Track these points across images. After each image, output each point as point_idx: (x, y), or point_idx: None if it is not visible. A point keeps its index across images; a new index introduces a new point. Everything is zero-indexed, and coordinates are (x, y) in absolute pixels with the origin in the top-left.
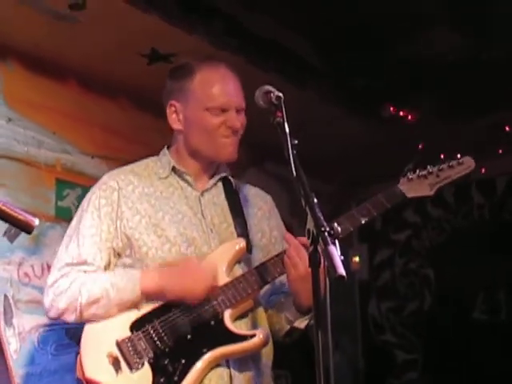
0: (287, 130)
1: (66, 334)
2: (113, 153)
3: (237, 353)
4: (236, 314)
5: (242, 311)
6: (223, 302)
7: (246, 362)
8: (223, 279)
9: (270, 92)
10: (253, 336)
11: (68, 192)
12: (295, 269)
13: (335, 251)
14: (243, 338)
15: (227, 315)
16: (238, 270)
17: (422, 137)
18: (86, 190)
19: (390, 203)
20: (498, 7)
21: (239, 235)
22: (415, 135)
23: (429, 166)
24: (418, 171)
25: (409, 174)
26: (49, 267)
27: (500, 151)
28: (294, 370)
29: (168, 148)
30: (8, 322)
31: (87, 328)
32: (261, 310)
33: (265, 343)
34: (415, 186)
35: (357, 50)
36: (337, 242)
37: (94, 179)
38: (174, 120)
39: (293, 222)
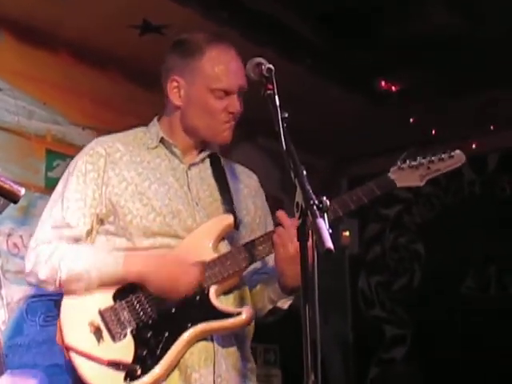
0: (277, 102)
1: (54, 305)
2: (103, 124)
3: (221, 329)
4: (221, 290)
5: (227, 287)
6: (209, 277)
7: (228, 336)
8: (210, 254)
9: (261, 64)
10: (238, 314)
11: (58, 163)
12: (284, 248)
13: (323, 224)
14: (228, 315)
15: (213, 291)
16: (223, 246)
17: (413, 113)
18: None
19: (380, 191)
20: None
21: (226, 211)
22: (407, 111)
23: (420, 158)
24: (409, 161)
25: (400, 163)
26: None
27: (492, 127)
28: (283, 344)
29: (159, 119)
30: None
31: (68, 296)
32: (246, 288)
33: (249, 322)
34: (406, 175)
35: (352, 25)
36: (325, 215)
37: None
38: (175, 96)
39: (283, 197)
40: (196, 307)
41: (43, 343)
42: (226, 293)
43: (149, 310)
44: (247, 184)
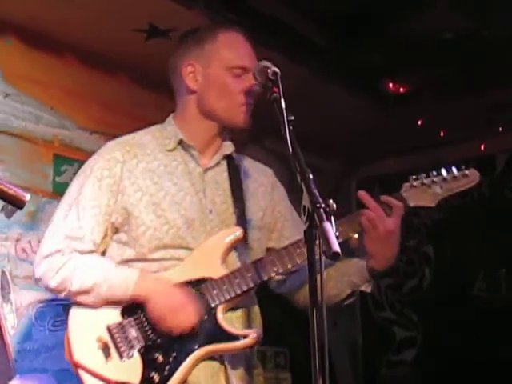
0: (283, 105)
1: (63, 310)
2: (111, 128)
3: (228, 351)
4: (229, 306)
5: (235, 304)
6: (217, 296)
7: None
8: (218, 270)
9: (267, 67)
10: (245, 336)
11: (66, 168)
12: (375, 230)
13: (330, 228)
14: (235, 337)
15: (220, 310)
16: (233, 257)
17: (421, 114)
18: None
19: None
20: None
21: (237, 219)
22: (415, 112)
23: (433, 174)
24: (421, 178)
25: (412, 180)
26: None
27: (500, 129)
28: (293, 348)
29: (173, 117)
30: (5, 297)
31: (75, 307)
32: (255, 306)
33: (256, 344)
34: (418, 194)
35: (357, 26)
36: (332, 218)
37: (92, 155)
38: (191, 80)
39: (292, 200)
40: (204, 328)
41: (52, 348)
42: (234, 309)
43: (158, 328)
44: (262, 182)
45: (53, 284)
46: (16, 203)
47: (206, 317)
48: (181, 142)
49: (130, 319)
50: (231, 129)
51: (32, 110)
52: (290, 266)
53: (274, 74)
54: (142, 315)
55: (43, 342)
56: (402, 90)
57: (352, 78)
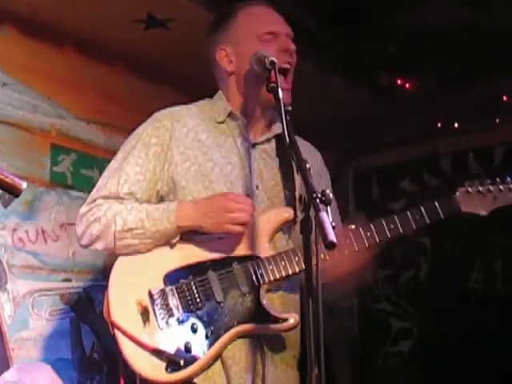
0: (281, 95)
1: (60, 299)
2: (108, 118)
3: (265, 332)
4: (271, 287)
5: (277, 286)
6: (261, 276)
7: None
8: (265, 251)
9: (264, 57)
10: (285, 320)
11: (63, 157)
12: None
13: (326, 218)
14: (275, 319)
15: (263, 290)
16: (281, 238)
17: (419, 106)
18: (81, 155)
19: (444, 214)
20: None
21: (286, 198)
22: (413, 104)
23: (488, 183)
24: (477, 186)
25: (468, 186)
26: (43, 232)
27: (497, 120)
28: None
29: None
30: (2, 287)
31: (119, 263)
32: (297, 293)
33: (294, 328)
34: (472, 200)
35: (356, 18)
36: (328, 208)
37: (90, 145)
38: (227, 62)
39: None
40: (245, 305)
41: (49, 337)
42: (277, 289)
43: (198, 299)
44: (313, 165)
45: (95, 231)
46: (13, 191)
47: (247, 295)
48: (230, 115)
49: (172, 287)
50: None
51: (29, 100)
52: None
53: (271, 63)
54: (183, 284)
55: (40, 332)
56: (400, 82)
57: (350, 70)
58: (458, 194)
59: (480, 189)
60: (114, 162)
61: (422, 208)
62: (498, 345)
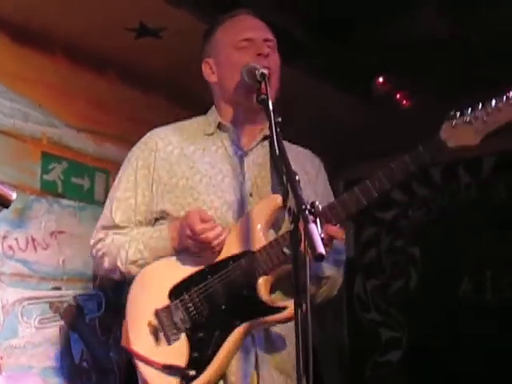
0: (271, 107)
1: (49, 307)
2: (100, 126)
3: (269, 324)
4: (270, 279)
5: (277, 276)
6: (256, 269)
7: (272, 336)
8: (260, 242)
9: (255, 69)
10: (285, 308)
11: (54, 165)
12: None
13: (315, 230)
14: (275, 309)
15: (260, 283)
16: (276, 230)
17: (410, 116)
18: (71, 163)
19: (429, 155)
20: None
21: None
22: (404, 114)
23: (475, 109)
24: (464, 116)
25: (453, 118)
26: (33, 240)
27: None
28: None
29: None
30: None
31: (130, 297)
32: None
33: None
34: (459, 133)
35: (346, 27)
36: (318, 220)
37: (80, 153)
38: (209, 74)
39: None
40: (244, 302)
41: (39, 345)
42: (277, 282)
43: (201, 307)
44: (308, 170)
45: (106, 265)
46: (2, 202)
47: (246, 291)
48: (219, 125)
49: (177, 301)
50: (249, 104)
51: (20, 108)
52: None
53: (262, 75)
54: (186, 296)
55: (29, 340)
56: (390, 91)
57: (341, 79)
58: (442, 130)
59: (465, 118)
60: (111, 189)
61: (406, 156)
62: (489, 354)
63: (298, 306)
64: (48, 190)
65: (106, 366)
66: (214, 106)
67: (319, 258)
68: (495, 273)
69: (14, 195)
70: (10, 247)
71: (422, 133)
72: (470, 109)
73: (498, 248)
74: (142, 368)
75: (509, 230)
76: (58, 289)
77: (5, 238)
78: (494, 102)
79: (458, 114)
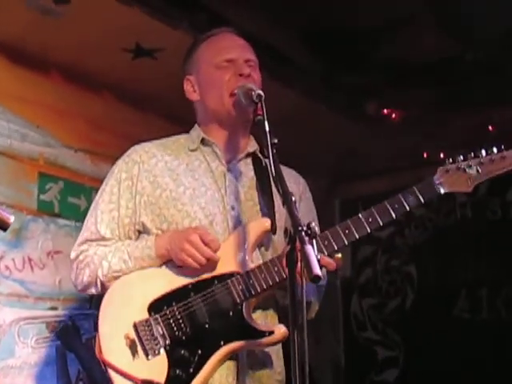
0: (267, 128)
1: (46, 328)
2: (96, 146)
3: (253, 347)
4: (255, 303)
5: (262, 301)
6: (243, 292)
7: (255, 352)
8: (246, 265)
9: (251, 90)
10: (271, 333)
11: (50, 186)
12: None
13: (312, 251)
14: (261, 333)
15: (246, 306)
16: (262, 252)
17: (405, 135)
18: (68, 183)
19: (424, 197)
20: (480, 8)
21: (264, 215)
22: (400, 133)
23: (470, 157)
24: (457, 162)
25: (448, 164)
26: (30, 260)
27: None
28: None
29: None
30: None
31: (106, 303)
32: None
33: (281, 341)
34: (453, 179)
35: (343, 47)
36: (314, 241)
37: (77, 173)
38: (191, 92)
39: None
40: (229, 324)
41: (35, 365)
42: (260, 307)
43: (182, 325)
44: (291, 189)
45: (86, 278)
46: (0, 225)
47: (231, 312)
48: (203, 141)
49: (157, 316)
50: (232, 122)
51: (18, 128)
52: None
53: (258, 96)
54: (168, 311)
55: (26, 360)
56: (386, 111)
57: (337, 99)
58: (436, 175)
59: (459, 165)
60: (94, 202)
61: (401, 195)
62: (485, 372)
63: (294, 326)
64: (45, 209)
65: None
66: (196, 125)
67: (316, 279)
68: (491, 291)
69: (11, 218)
70: (7, 267)
71: (416, 153)
72: (461, 156)
73: (493, 267)
74: (117, 381)
75: (504, 248)
76: (55, 309)
77: (1, 258)
78: (484, 152)
79: (451, 159)
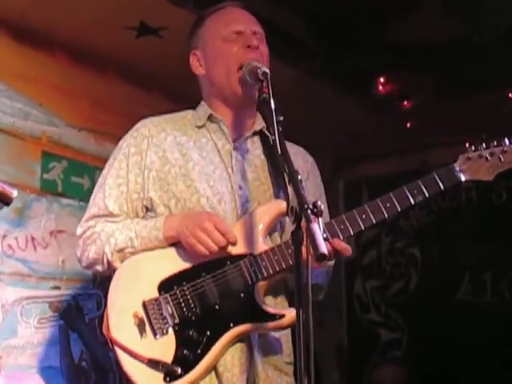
0: (273, 106)
1: (49, 307)
2: (100, 126)
3: (263, 331)
4: (268, 286)
5: (274, 284)
6: (255, 273)
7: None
8: (260, 247)
9: (257, 68)
10: (281, 316)
11: (54, 165)
12: None
13: (317, 229)
14: (271, 316)
15: (258, 288)
16: (274, 235)
17: (410, 117)
18: (72, 162)
19: (445, 185)
20: None
21: (275, 195)
22: (404, 115)
23: (493, 145)
24: (480, 150)
25: (470, 151)
26: (33, 239)
27: (484, 137)
28: None
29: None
30: None
31: (115, 281)
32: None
33: (292, 324)
34: (475, 166)
35: (349, 29)
36: (320, 219)
37: (81, 152)
38: (197, 66)
39: None
40: (240, 306)
41: (38, 345)
42: (272, 289)
43: (192, 305)
44: (299, 166)
45: (92, 254)
46: (3, 200)
47: (242, 294)
48: (210, 117)
49: (166, 295)
50: (237, 100)
51: (21, 107)
52: None
53: (264, 74)
54: (177, 291)
55: (29, 339)
56: (391, 92)
57: (342, 79)
58: (458, 162)
59: (481, 153)
60: (101, 177)
61: (420, 182)
62: (488, 356)
63: (299, 306)
64: (48, 189)
65: (105, 366)
66: (202, 101)
67: (322, 257)
68: (495, 274)
69: (15, 193)
70: (10, 246)
71: (419, 135)
72: (484, 144)
73: (497, 250)
74: (124, 359)
75: (509, 232)
76: (58, 288)
77: (4, 237)
78: (507, 141)
79: (473, 147)
